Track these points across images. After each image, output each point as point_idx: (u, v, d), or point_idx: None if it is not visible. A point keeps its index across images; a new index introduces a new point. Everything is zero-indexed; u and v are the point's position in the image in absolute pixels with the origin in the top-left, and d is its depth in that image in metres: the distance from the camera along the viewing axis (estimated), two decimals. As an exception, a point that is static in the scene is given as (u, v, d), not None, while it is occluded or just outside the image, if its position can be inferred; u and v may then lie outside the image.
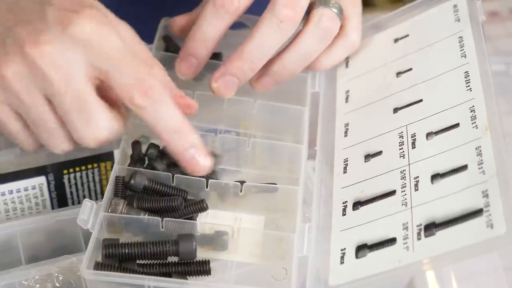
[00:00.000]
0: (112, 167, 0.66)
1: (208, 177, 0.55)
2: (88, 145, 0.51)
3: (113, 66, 0.49)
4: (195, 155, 0.51)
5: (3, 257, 0.60)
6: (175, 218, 0.51)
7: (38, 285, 0.55)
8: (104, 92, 0.51)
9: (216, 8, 0.55)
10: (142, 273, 0.48)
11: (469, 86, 0.53)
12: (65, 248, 0.62)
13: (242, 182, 0.55)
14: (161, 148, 0.56)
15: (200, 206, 0.52)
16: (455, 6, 0.60)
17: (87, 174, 0.68)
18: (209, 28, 0.56)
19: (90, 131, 0.49)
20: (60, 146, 0.52)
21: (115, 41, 0.49)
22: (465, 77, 0.54)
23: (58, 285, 0.55)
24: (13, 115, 0.52)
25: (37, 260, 0.59)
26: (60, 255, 0.58)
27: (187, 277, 0.49)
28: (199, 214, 0.53)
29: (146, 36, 0.60)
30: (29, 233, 0.61)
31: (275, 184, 0.55)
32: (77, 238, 0.62)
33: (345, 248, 0.49)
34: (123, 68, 0.49)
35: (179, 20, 0.62)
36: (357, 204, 0.51)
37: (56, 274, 0.56)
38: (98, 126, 0.49)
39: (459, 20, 0.59)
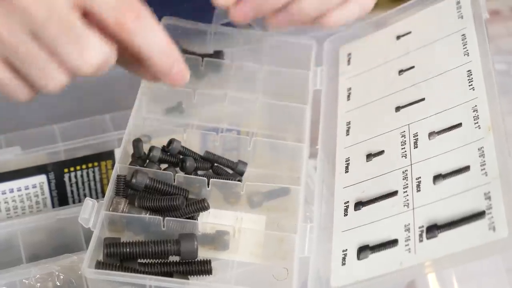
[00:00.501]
0: (112, 166, 0.67)
1: (210, 176, 0.55)
2: (85, 72, 0.49)
3: None
4: (180, 68, 0.52)
5: (3, 256, 0.60)
6: (177, 217, 0.51)
7: (39, 284, 0.56)
8: (89, 22, 0.50)
9: None
10: (143, 273, 0.48)
11: (472, 85, 0.53)
12: (66, 247, 0.62)
13: (243, 181, 0.55)
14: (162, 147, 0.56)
15: (201, 206, 0.52)
16: (458, 2, 0.60)
17: (87, 173, 0.68)
18: None
19: (83, 55, 0.48)
20: (55, 81, 0.50)
21: None
22: (467, 76, 0.54)
23: (58, 284, 0.56)
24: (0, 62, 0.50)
25: (37, 259, 0.59)
26: (61, 254, 0.59)
27: (189, 276, 0.49)
28: (201, 213, 0.53)
29: None
30: (29, 231, 0.61)
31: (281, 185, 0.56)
32: (77, 236, 0.63)
33: (346, 249, 0.49)
34: None
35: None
36: (358, 205, 0.52)
37: (57, 273, 0.56)
38: (91, 49, 0.48)
39: (462, 17, 0.59)
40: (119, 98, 0.72)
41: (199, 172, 0.58)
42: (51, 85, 0.50)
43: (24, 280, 0.56)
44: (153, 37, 0.50)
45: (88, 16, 0.49)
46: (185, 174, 0.56)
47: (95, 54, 0.48)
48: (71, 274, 0.56)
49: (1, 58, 0.49)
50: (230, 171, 0.58)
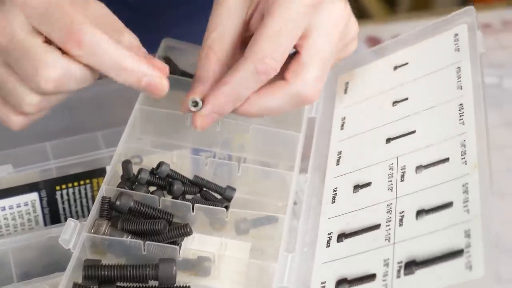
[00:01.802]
0: (105, 183, 0.68)
1: (194, 201, 0.56)
2: (44, 87, 0.52)
3: (42, 20, 0.52)
4: (151, 81, 0.54)
5: (-6, 274, 0.62)
6: (159, 241, 0.52)
7: (30, 303, 0.57)
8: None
9: (258, 74, 0.55)
10: (120, 297, 0.49)
11: (462, 119, 0.54)
12: (57, 265, 0.63)
13: (227, 207, 0.56)
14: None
15: (184, 231, 0.53)
16: (456, 35, 0.61)
17: (79, 190, 0.69)
18: (245, 91, 0.56)
19: (38, 71, 0.51)
20: (26, 101, 0.53)
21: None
22: (459, 110, 0.55)
23: (49, 303, 0.57)
24: None
25: (29, 277, 0.60)
26: (52, 272, 0.60)
27: (166, 302, 0.50)
28: (185, 238, 0.54)
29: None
30: (21, 250, 0.62)
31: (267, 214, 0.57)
32: (69, 255, 0.64)
33: (325, 282, 0.50)
34: (51, 21, 0.52)
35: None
36: (341, 236, 0.52)
37: (47, 292, 0.57)
38: (45, 64, 0.51)
39: (458, 50, 0.60)
40: (111, 116, 0.74)
41: (188, 196, 0.59)
42: (24, 106, 0.53)
43: (15, 299, 0.57)
44: (103, 58, 0.52)
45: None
46: (172, 197, 0.57)
47: (49, 70, 0.51)
48: (62, 293, 0.57)
49: None
50: (219, 196, 0.59)
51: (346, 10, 0.58)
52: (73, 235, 0.52)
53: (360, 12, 1.76)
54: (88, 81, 0.55)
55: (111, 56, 0.53)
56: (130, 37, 0.56)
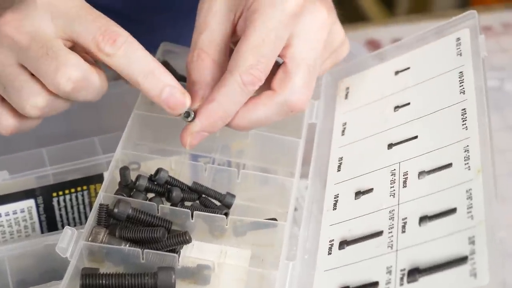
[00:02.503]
0: (102, 189, 0.68)
1: (194, 208, 0.56)
2: (64, 88, 0.52)
3: (74, 21, 0.53)
4: (173, 93, 0.54)
5: (-10, 282, 0.61)
6: (158, 249, 0.52)
7: (25, 311, 0.56)
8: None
9: (245, 86, 0.54)
10: (118, 306, 0.49)
11: (465, 124, 0.54)
12: (54, 272, 0.63)
13: (227, 214, 0.56)
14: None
15: (183, 239, 0.52)
16: (458, 39, 0.61)
17: (76, 197, 0.69)
18: (233, 105, 0.55)
19: (60, 71, 0.52)
20: (30, 102, 0.54)
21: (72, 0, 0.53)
22: (462, 115, 0.55)
23: (45, 311, 0.57)
24: None
25: (25, 285, 0.60)
26: (49, 280, 0.59)
27: (165, 311, 0.50)
28: (184, 246, 0.54)
29: None
30: (17, 257, 0.62)
31: (267, 219, 0.56)
32: (66, 263, 0.63)
33: (327, 290, 0.50)
34: (85, 22, 0.53)
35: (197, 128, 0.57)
36: (343, 244, 0.52)
37: (44, 300, 0.57)
38: (68, 64, 0.52)
39: (461, 54, 0.59)
40: (108, 121, 0.73)
41: (187, 203, 0.58)
42: (27, 107, 0.53)
43: (11, 307, 0.57)
44: (134, 61, 0.53)
45: (75, 47, 0.54)
46: (171, 204, 0.57)
47: (73, 70, 0.52)
48: (59, 301, 0.57)
49: None
50: (218, 203, 0.59)
51: (329, 18, 0.58)
52: (70, 244, 0.51)
53: (359, 15, 1.76)
54: (101, 93, 0.55)
55: (142, 60, 0.53)
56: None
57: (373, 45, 0.93)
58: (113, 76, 0.85)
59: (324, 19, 0.57)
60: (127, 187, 0.58)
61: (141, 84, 0.54)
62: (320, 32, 0.57)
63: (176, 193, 0.57)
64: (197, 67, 0.57)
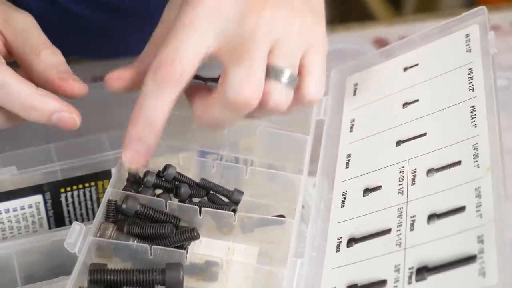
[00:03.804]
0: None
1: (202, 204, 0.56)
2: None
3: None
4: (60, 117, 0.55)
5: (-2, 277, 0.61)
6: (165, 245, 0.52)
7: (33, 307, 0.57)
8: None
9: (158, 83, 0.51)
10: (126, 302, 0.49)
11: (474, 121, 0.54)
12: (62, 268, 0.63)
13: (235, 211, 0.56)
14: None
15: (191, 235, 0.53)
16: (467, 35, 0.61)
17: (84, 193, 0.69)
18: (153, 108, 0.52)
19: None
20: None
21: None
22: (471, 112, 0.54)
23: (54, 307, 0.57)
24: None
25: (33, 280, 0.60)
26: (57, 275, 0.60)
27: (173, 308, 0.50)
28: (192, 242, 0.54)
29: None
30: (25, 253, 0.62)
31: (275, 216, 0.56)
32: (74, 259, 0.64)
33: (335, 287, 0.49)
34: None
35: (123, 74, 0.56)
36: (351, 241, 0.52)
37: (52, 296, 0.57)
38: None
39: (470, 51, 0.59)
40: (116, 117, 0.73)
41: (195, 199, 0.58)
42: None
43: (19, 303, 0.57)
44: (11, 100, 0.54)
45: None
46: (179, 201, 0.57)
47: None
48: (67, 297, 0.57)
49: None
50: (226, 200, 0.59)
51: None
52: (78, 239, 0.51)
53: (366, 14, 1.76)
54: (2, 124, 0.56)
55: (19, 97, 0.54)
56: (47, 56, 0.56)
57: (381, 43, 0.93)
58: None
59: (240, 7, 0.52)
60: (135, 183, 0.58)
61: (28, 118, 0.55)
62: (247, 23, 0.52)
63: (184, 189, 0.57)
64: (144, 51, 0.56)
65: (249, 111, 0.52)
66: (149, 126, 0.53)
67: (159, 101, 0.52)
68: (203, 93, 0.55)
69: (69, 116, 0.55)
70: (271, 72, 0.52)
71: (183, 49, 0.51)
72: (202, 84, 0.57)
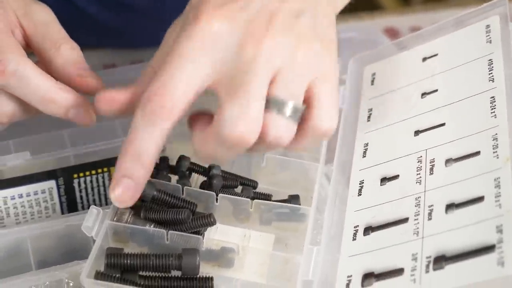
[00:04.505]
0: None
1: (218, 191, 0.57)
2: None
3: None
4: (77, 113, 0.56)
5: (12, 262, 0.63)
6: (182, 231, 0.53)
7: (48, 291, 0.58)
8: None
9: (147, 117, 0.50)
10: (142, 286, 0.50)
11: (494, 112, 0.55)
12: (75, 253, 0.64)
13: (253, 199, 0.57)
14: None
15: (208, 221, 0.54)
16: (487, 26, 0.62)
17: (97, 179, 0.70)
18: (143, 142, 0.51)
19: None
20: None
21: None
22: (491, 103, 0.56)
23: (68, 291, 0.58)
24: None
25: (46, 265, 0.62)
26: (70, 260, 0.61)
27: (189, 293, 0.51)
28: (208, 228, 0.55)
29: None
30: (38, 238, 0.63)
31: (289, 203, 0.57)
32: (87, 243, 0.65)
33: (351, 275, 0.51)
34: None
35: (117, 96, 0.54)
36: (368, 230, 0.53)
37: (66, 280, 0.58)
38: None
39: (490, 42, 0.60)
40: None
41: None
42: None
43: (33, 287, 0.58)
44: (29, 92, 0.54)
45: None
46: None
47: None
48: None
49: None
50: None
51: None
52: (95, 223, 0.53)
53: (373, 4, 1.77)
54: (19, 115, 0.57)
55: (37, 89, 0.54)
56: (66, 51, 0.57)
57: (391, 33, 0.94)
58: (129, 60, 0.87)
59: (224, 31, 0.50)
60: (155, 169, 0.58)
61: (45, 111, 0.56)
62: (245, 53, 0.50)
63: (217, 181, 0.57)
64: (140, 76, 0.55)
65: (246, 147, 0.51)
66: (138, 160, 0.51)
67: (148, 135, 0.51)
68: (204, 122, 0.53)
69: (86, 112, 0.56)
70: (271, 104, 0.50)
71: (175, 81, 0.50)
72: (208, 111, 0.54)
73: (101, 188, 0.71)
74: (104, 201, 0.72)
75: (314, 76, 0.52)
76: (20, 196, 0.68)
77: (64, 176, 0.69)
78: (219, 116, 0.50)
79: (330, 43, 0.53)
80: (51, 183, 0.69)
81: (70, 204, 0.71)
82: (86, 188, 0.71)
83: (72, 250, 0.65)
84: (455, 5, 0.98)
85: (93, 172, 0.70)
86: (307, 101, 0.52)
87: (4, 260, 0.63)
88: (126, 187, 0.52)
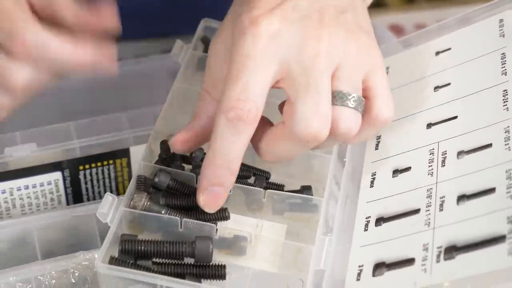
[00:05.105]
0: (127, 164, 0.74)
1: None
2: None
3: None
4: (101, 66, 0.60)
5: (19, 252, 0.67)
6: (195, 219, 0.58)
7: (54, 281, 0.62)
8: None
9: (233, 124, 0.54)
10: (156, 272, 0.55)
11: (506, 105, 0.59)
12: (81, 244, 0.69)
13: (265, 188, 0.61)
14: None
15: (222, 215, 0.58)
16: (501, 20, 0.66)
17: (102, 171, 0.75)
18: (231, 150, 0.55)
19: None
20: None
21: None
22: (503, 96, 0.60)
23: (73, 281, 0.62)
24: None
25: (52, 255, 0.66)
26: (76, 251, 0.65)
27: (201, 280, 0.56)
28: (221, 218, 0.60)
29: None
30: (45, 228, 0.68)
31: (301, 193, 0.62)
32: (93, 234, 0.70)
33: (363, 265, 0.55)
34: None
35: (187, 136, 0.60)
36: (380, 220, 0.58)
37: (72, 270, 0.63)
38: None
39: (503, 36, 0.65)
40: (135, 97, 0.79)
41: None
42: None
43: (39, 277, 0.63)
44: (51, 53, 0.58)
45: None
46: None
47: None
48: (86, 272, 0.63)
49: None
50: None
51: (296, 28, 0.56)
52: (110, 209, 0.57)
53: (378, 1, 1.81)
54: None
55: (57, 52, 0.58)
56: (74, 5, 0.60)
57: (396, 30, 0.97)
58: (134, 53, 0.91)
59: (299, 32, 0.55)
60: (166, 160, 0.63)
61: (68, 70, 0.60)
62: (307, 49, 0.55)
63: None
64: (199, 106, 0.60)
65: (320, 142, 0.55)
66: (227, 168, 0.56)
67: (235, 142, 0.55)
68: (263, 125, 0.57)
69: (108, 63, 0.60)
70: (337, 98, 0.55)
71: (252, 84, 0.54)
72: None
73: (107, 180, 0.76)
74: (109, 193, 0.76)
75: (368, 67, 0.57)
76: (26, 187, 0.72)
77: (70, 168, 0.73)
78: (292, 115, 0.55)
79: (372, 35, 0.59)
80: (57, 175, 0.73)
81: (76, 196, 0.75)
82: (92, 180, 0.75)
83: (78, 241, 0.69)
84: (459, 2, 1.02)
85: (99, 164, 0.75)
86: (365, 93, 0.57)
87: (10, 250, 0.67)
88: (216, 195, 0.56)
